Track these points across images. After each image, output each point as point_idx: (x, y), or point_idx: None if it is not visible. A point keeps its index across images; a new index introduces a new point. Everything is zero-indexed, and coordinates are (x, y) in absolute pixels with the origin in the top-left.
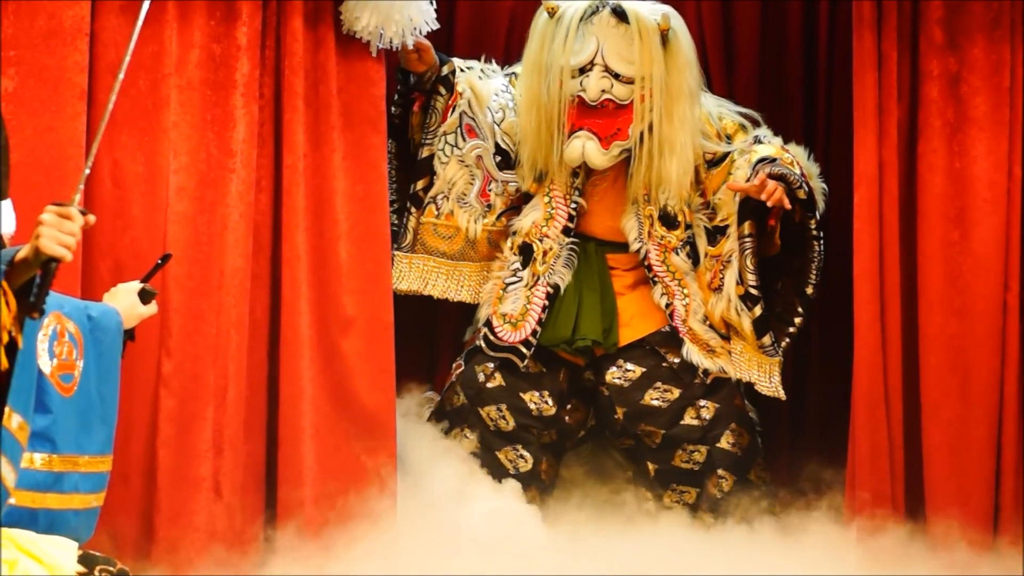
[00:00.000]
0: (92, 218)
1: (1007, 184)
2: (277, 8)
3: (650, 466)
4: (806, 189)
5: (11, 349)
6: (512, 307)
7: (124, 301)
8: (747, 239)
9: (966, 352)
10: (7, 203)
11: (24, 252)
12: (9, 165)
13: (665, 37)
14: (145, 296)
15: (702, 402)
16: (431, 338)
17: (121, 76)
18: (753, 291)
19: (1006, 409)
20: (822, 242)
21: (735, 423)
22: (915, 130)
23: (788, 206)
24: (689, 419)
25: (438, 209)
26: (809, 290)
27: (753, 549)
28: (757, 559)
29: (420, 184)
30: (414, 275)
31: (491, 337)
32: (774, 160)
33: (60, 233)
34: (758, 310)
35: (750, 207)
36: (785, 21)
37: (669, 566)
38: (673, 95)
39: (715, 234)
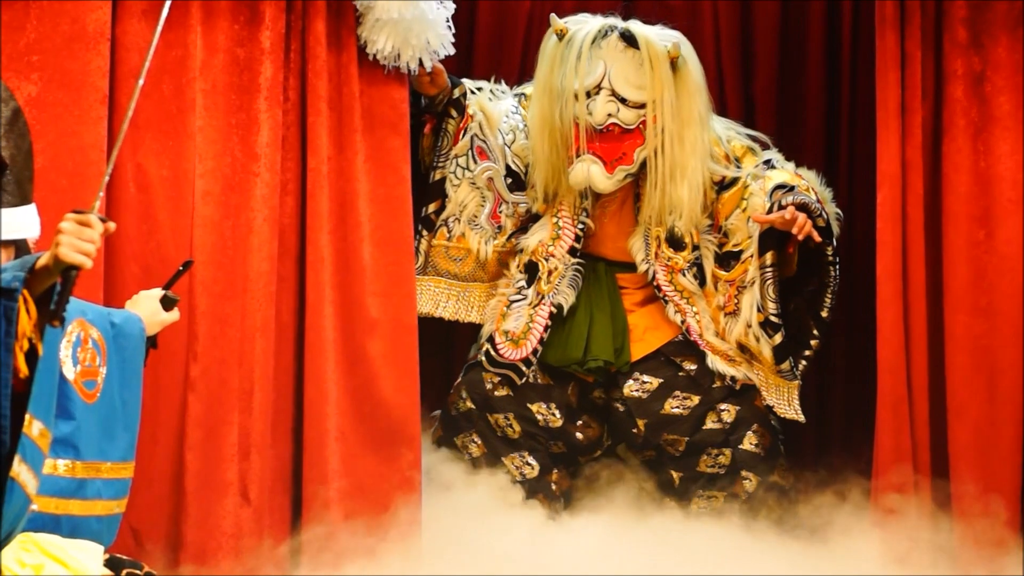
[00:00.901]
0: (112, 225)
1: None
2: (302, 11)
3: (674, 474)
4: (824, 216)
5: (31, 357)
6: (515, 325)
7: (146, 308)
8: (768, 269)
9: (992, 352)
10: (31, 208)
11: (44, 260)
12: (33, 170)
13: (674, 63)
14: (167, 303)
15: (722, 406)
16: (448, 361)
17: (141, 81)
18: (774, 319)
19: None
20: (838, 267)
21: (757, 424)
22: (939, 130)
23: (818, 238)
24: (711, 423)
25: (449, 232)
26: (825, 313)
27: (780, 550)
28: (784, 559)
29: (432, 207)
30: (425, 298)
31: (492, 353)
32: (792, 188)
33: (79, 241)
34: (779, 338)
35: (772, 237)
36: (807, 21)
37: (697, 568)
38: (683, 120)
39: (727, 259)
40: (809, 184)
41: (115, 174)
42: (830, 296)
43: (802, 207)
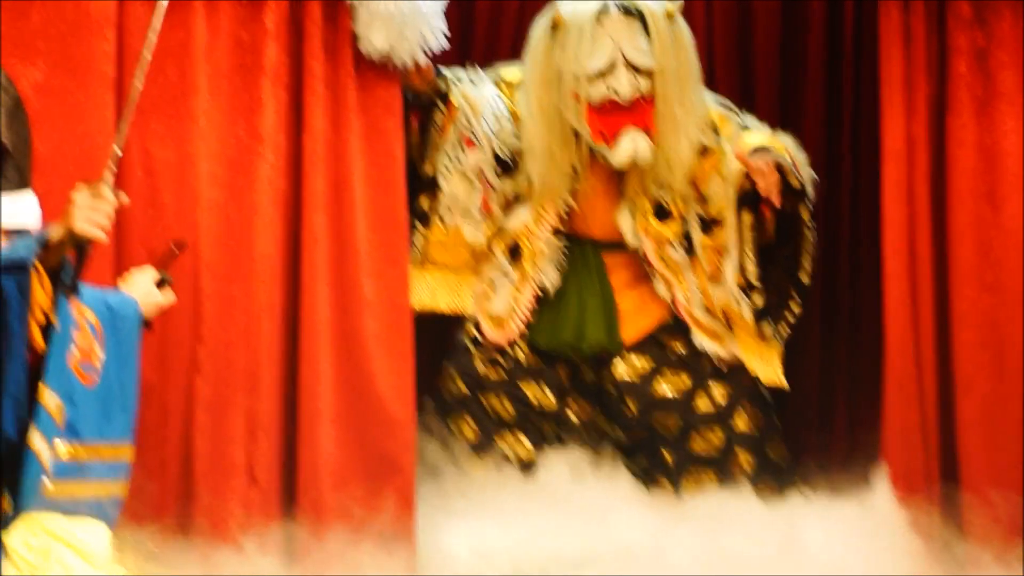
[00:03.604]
0: (125, 198)
1: None
2: None
3: (667, 456)
4: (798, 178)
5: (47, 331)
6: (499, 307)
7: (140, 288)
8: (747, 230)
9: (999, 327)
10: (31, 196)
11: (57, 234)
12: (31, 157)
13: (672, 23)
14: (160, 284)
15: (714, 386)
16: (443, 342)
17: (147, 58)
18: (754, 281)
19: None
20: (814, 231)
21: (748, 402)
22: (944, 105)
23: (778, 203)
24: (703, 404)
25: (444, 224)
26: (804, 277)
27: (781, 526)
28: (786, 536)
29: (425, 201)
30: (423, 291)
31: (478, 336)
32: (768, 150)
33: (94, 214)
34: (759, 299)
35: (748, 198)
36: None
37: (694, 544)
38: (683, 80)
39: (709, 225)
40: (786, 147)
41: (121, 158)
42: (808, 260)
43: (776, 167)
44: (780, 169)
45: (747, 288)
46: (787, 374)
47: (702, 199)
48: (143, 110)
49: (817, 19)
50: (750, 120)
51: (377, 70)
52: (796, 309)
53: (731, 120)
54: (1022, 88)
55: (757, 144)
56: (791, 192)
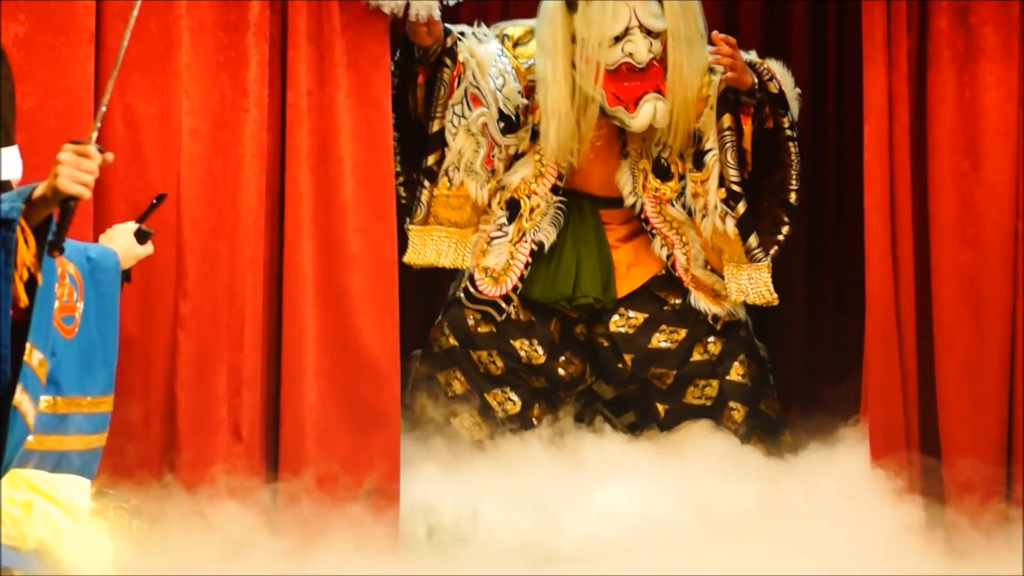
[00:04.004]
0: (110, 156)
1: (1018, 114)
2: None
3: (660, 407)
4: (776, 84)
5: (30, 287)
6: (495, 261)
7: (121, 242)
8: (726, 133)
9: (979, 282)
10: (13, 149)
11: (41, 190)
12: (15, 112)
13: None
14: (141, 236)
15: (709, 338)
16: (432, 307)
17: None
18: (735, 188)
19: (1019, 338)
20: (796, 143)
21: (743, 354)
22: (924, 61)
23: (743, 80)
24: (698, 355)
25: (450, 181)
26: (792, 198)
27: (767, 479)
28: (772, 488)
29: (432, 158)
30: (429, 249)
31: (472, 290)
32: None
33: (78, 171)
34: (741, 207)
35: (727, 102)
36: None
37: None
38: (691, 41)
39: (700, 159)
40: (769, 66)
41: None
42: (795, 179)
43: (749, 65)
44: (753, 67)
45: (728, 198)
46: (772, 329)
47: (696, 139)
48: (126, 65)
49: None
50: (744, 55)
51: (365, 25)
52: (786, 231)
53: (714, 72)
54: (1002, 44)
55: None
56: (773, 101)
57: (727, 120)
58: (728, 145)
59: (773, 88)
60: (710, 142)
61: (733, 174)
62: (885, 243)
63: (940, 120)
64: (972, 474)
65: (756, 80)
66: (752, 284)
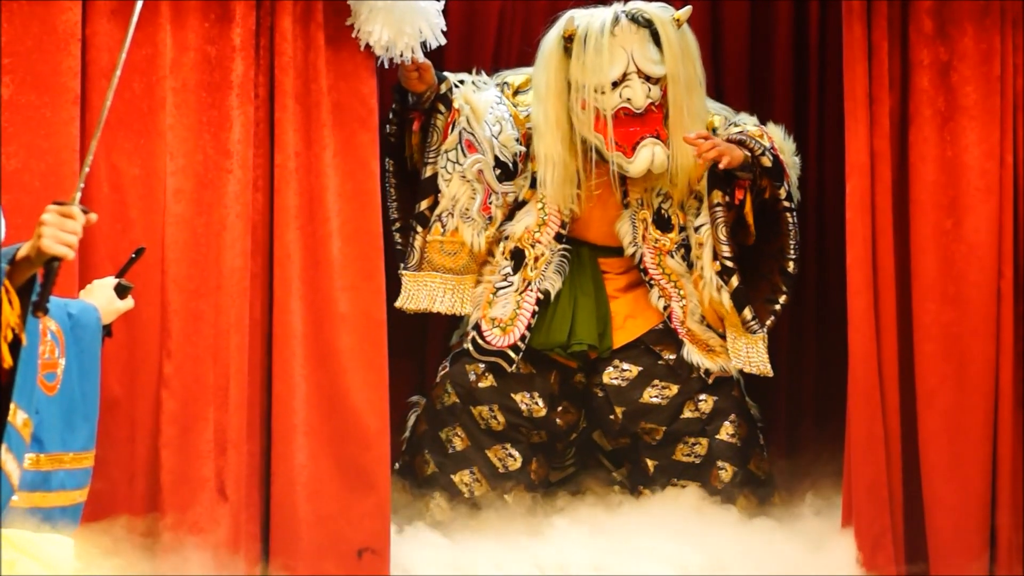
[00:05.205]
0: (94, 216)
1: (999, 172)
2: (270, 8)
3: (649, 463)
4: (770, 157)
5: (15, 347)
6: (502, 312)
7: (101, 297)
8: (717, 208)
9: (961, 340)
10: None
11: (25, 251)
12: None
13: (680, 30)
14: (121, 291)
15: (701, 396)
16: (422, 351)
17: (117, 76)
18: (728, 262)
19: (1001, 396)
20: (794, 214)
21: (734, 414)
22: (906, 119)
23: (725, 162)
24: (688, 413)
25: (444, 226)
26: (790, 267)
27: (752, 538)
28: (756, 547)
29: (425, 203)
30: (422, 294)
31: (479, 341)
32: (742, 132)
33: (62, 232)
34: (735, 281)
35: (718, 178)
36: (775, 15)
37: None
38: (690, 86)
39: (697, 229)
40: (769, 135)
41: (88, 173)
42: (793, 249)
43: (738, 143)
44: (743, 144)
45: (722, 272)
46: (753, 392)
47: (697, 199)
48: (110, 125)
49: (782, 35)
50: (745, 117)
51: (351, 85)
52: (783, 300)
53: (724, 118)
54: (983, 102)
55: (737, 130)
56: (768, 174)
57: (717, 196)
58: (719, 220)
59: (766, 162)
60: (702, 216)
61: (725, 249)
62: (867, 301)
63: (922, 178)
64: (958, 528)
65: (749, 154)
66: (750, 354)
